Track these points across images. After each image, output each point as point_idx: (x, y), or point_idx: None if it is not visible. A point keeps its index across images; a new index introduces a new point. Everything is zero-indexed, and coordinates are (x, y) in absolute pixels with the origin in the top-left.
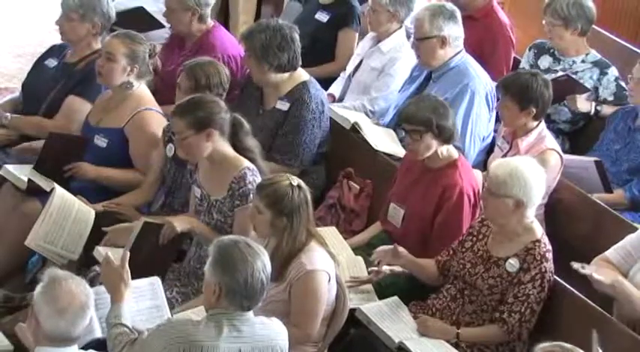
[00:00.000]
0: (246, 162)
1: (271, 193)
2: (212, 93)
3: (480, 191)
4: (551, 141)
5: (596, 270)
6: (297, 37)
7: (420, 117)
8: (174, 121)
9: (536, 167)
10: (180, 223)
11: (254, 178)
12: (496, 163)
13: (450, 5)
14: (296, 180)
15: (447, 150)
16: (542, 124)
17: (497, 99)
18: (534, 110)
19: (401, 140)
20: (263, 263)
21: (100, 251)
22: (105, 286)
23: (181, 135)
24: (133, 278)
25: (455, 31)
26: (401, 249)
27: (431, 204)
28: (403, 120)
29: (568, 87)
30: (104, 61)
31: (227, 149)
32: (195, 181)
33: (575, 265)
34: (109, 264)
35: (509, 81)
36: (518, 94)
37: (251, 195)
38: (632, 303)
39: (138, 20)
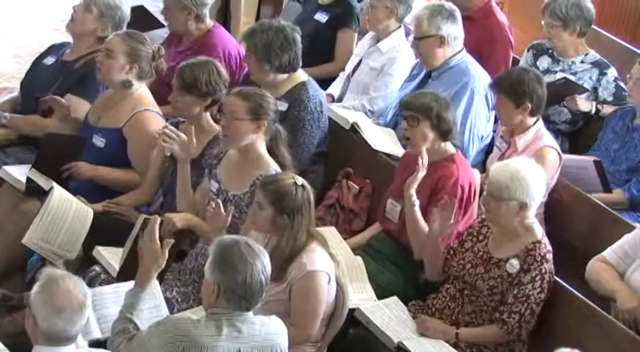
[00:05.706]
0: (275, 165)
1: (275, 190)
2: (201, 92)
3: (477, 189)
4: (548, 139)
5: None
6: (298, 38)
7: (420, 104)
8: (235, 101)
9: (535, 167)
10: (180, 219)
11: None
12: (495, 167)
13: (449, 5)
14: (300, 180)
15: (445, 145)
16: (540, 123)
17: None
18: (529, 105)
19: (400, 139)
20: (263, 264)
21: (100, 251)
22: (140, 261)
23: (237, 115)
24: (132, 277)
25: (454, 31)
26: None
27: (425, 195)
28: (403, 106)
29: (567, 89)
30: (103, 57)
31: (263, 149)
32: (214, 176)
33: None
34: (152, 242)
35: (500, 78)
36: (511, 89)
37: None
38: None
39: (138, 19)
